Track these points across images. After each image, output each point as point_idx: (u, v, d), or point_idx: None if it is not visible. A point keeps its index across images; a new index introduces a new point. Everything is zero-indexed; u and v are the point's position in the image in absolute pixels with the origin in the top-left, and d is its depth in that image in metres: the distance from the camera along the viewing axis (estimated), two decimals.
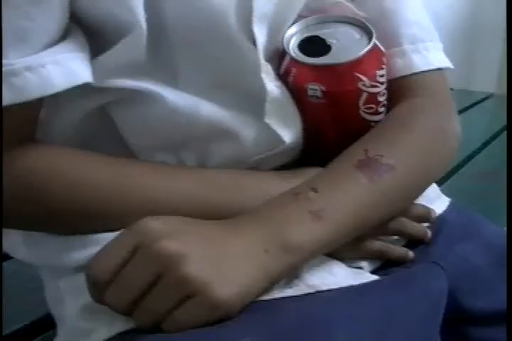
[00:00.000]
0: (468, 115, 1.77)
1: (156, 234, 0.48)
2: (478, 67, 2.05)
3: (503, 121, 1.78)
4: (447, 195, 0.72)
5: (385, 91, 0.61)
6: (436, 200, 0.68)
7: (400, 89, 0.64)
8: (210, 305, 0.47)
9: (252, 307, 0.49)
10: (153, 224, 0.49)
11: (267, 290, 0.51)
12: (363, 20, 0.60)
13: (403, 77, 0.64)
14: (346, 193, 0.55)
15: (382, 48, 0.61)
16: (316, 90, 0.58)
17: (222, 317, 0.48)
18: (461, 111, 0.65)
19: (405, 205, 0.61)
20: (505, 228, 1.02)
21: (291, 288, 0.53)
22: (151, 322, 0.49)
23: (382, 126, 0.62)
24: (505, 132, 1.70)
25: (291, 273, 0.53)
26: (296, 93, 0.59)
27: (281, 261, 0.51)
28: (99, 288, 0.49)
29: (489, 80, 2.34)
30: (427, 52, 0.65)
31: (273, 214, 0.53)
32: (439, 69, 0.66)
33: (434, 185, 0.69)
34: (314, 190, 0.54)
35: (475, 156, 1.49)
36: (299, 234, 0.51)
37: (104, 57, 0.54)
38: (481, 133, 1.66)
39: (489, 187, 1.40)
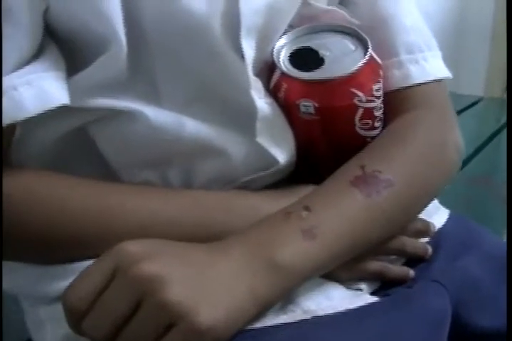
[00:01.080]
0: (459, 120, 1.75)
1: (133, 257, 0.45)
2: (466, 71, 2.04)
3: (494, 126, 1.78)
4: (440, 201, 0.70)
5: (381, 105, 0.59)
6: (435, 213, 0.66)
7: (397, 101, 0.61)
8: (195, 331, 0.43)
9: (244, 335, 0.47)
10: (131, 247, 0.46)
11: (259, 315, 0.48)
12: (358, 30, 0.58)
13: (400, 90, 0.61)
14: (341, 210, 0.53)
15: (378, 60, 0.58)
16: (308, 106, 0.55)
17: None
18: None
19: (406, 223, 0.59)
20: (502, 236, 1.00)
21: (285, 314, 0.50)
22: None
23: (379, 140, 0.59)
24: (497, 137, 1.69)
25: (284, 297, 0.50)
26: (288, 109, 0.57)
27: (273, 284, 0.48)
28: (76, 318, 0.46)
29: (477, 84, 2.34)
30: (425, 63, 0.62)
31: (262, 234, 0.50)
32: (439, 79, 0.63)
33: None
34: (307, 208, 0.52)
35: (468, 162, 1.48)
36: (290, 255, 0.49)
37: (81, 76, 0.51)
38: (473, 138, 1.66)
39: (482, 193, 1.39)
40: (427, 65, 0.62)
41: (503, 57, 2.26)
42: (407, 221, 0.59)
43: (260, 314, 0.48)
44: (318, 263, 0.50)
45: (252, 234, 0.50)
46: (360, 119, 0.57)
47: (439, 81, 0.63)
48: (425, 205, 0.60)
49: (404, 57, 0.61)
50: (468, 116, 1.88)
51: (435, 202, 0.68)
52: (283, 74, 0.56)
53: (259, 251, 0.49)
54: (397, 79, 0.61)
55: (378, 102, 0.58)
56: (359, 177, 0.54)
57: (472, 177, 1.42)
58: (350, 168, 0.56)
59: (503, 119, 1.84)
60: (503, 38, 2.27)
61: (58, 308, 0.51)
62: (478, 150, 1.58)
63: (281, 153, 0.57)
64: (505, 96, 2.34)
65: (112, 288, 0.45)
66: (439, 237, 0.63)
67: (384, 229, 0.55)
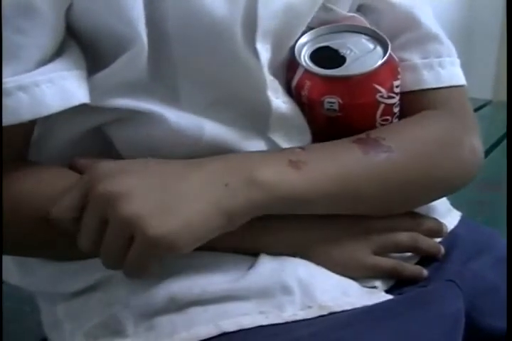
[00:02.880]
0: None
1: (101, 175, 0.48)
2: (474, 74, 2.04)
3: (503, 128, 1.77)
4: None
5: (399, 102, 0.60)
6: (447, 215, 0.66)
7: (412, 102, 0.62)
8: (147, 242, 0.46)
9: (265, 333, 0.48)
10: (104, 165, 0.49)
11: (227, 227, 0.49)
12: (376, 30, 0.59)
13: (414, 92, 0.62)
14: (334, 156, 0.54)
15: (396, 58, 0.59)
16: (333, 103, 0.56)
17: (169, 253, 0.47)
18: None
19: (402, 198, 0.58)
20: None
21: (303, 310, 0.51)
22: (114, 266, 0.49)
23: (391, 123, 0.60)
24: (506, 140, 1.68)
25: (253, 212, 0.50)
26: (311, 106, 0.57)
27: (242, 196, 0.49)
28: (65, 226, 0.49)
29: (485, 87, 2.33)
30: (441, 69, 0.62)
31: (249, 156, 0.53)
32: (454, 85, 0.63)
33: (444, 200, 0.67)
34: (302, 148, 0.54)
35: None
36: (269, 173, 0.50)
37: (102, 75, 0.52)
38: (482, 142, 1.63)
39: (491, 197, 1.38)
40: (443, 71, 0.62)
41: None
42: (401, 196, 0.58)
43: (228, 226, 0.49)
44: (295, 191, 0.51)
45: (238, 155, 0.53)
46: (381, 115, 0.58)
47: (456, 87, 0.63)
48: (430, 191, 0.60)
49: (418, 61, 0.62)
50: (477, 120, 1.87)
51: (447, 204, 0.68)
52: (306, 71, 0.56)
53: (238, 167, 0.51)
54: (410, 82, 0.61)
55: (397, 99, 0.59)
56: (361, 139, 0.55)
57: (481, 180, 1.41)
58: (357, 135, 0.57)
59: None
60: None
61: (76, 304, 0.54)
62: (486, 154, 1.57)
63: None
64: None
65: (87, 207, 0.48)
66: (451, 239, 0.63)
67: (375, 189, 0.55)
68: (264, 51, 0.54)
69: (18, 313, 0.75)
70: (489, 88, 2.39)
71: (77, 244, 0.49)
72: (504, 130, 1.73)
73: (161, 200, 0.47)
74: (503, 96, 2.34)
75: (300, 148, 0.54)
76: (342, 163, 0.54)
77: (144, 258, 0.47)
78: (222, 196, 0.49)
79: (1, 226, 0.51)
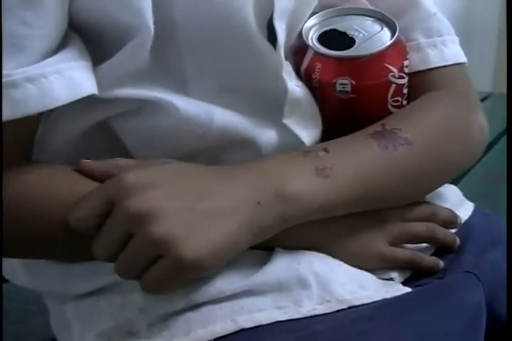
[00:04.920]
0: None
1: (127, 191, 0.46)
2: (474, 66, 2.03)
3: (505, 121, 1.76)
4: None
5: (408, 83, 0.59)
6: (460, 206, 0.65)
7: (418, 83, 0.61)
8: (177, 265, 0.45)
9: (284, 328, 0.47)
10: (129, 178, 0.47)
11: (255, 243, 0.49)
12: (382, 12, 0.58)
13: (420, 72, 0.61)
14: (357, 157, 0.54)
15: (403, 39, 0.59)
16: (345, 85, 0.55)
17: (195, 276, 0.47)
18: None
19: (418, 188, 0.58)
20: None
21: (321, 304, 0.50)
22: (129, 278, 0.48)
23: (403, 109, 0.60)
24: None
25: (283, 226, 0.50)
26: (323, 89, 0.57)
27: (273, 211, 0.49)
28: (84, 233, 0.48)
29: (486, 79, 2.33)
30: (444, 47, 0.62)
31: (275, 165, 0.52)
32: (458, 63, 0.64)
33: (457, 190, 0.67)
34: (325, 149, 0.53)
35: (481, 158, 1.47)
36: (298, 185, 0.50)
37: (108, 66, 0.50)
38: None
39: (495, 189, 1.37)
40: (446, 49, 0.63)
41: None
42: (420, 186, 0.58)
43: (257, 240, 0.49)
44: (322, 200, 0.51)
45: (264, 164, 0.52)
46: (392, 96, 0.58)
47: (459, 65, 0.64)
48: (442, 177, 0.60)
49: (422, 40, 0.62)
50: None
51: (460, 195, 0.68)
52: (317, 54, 0.56)
53: (267, 180, 0.50)
54: (416, 62, 0.61)
55: (406, 79, 0.59)
56: (378, 131, 0.55)
57: (485, 173, 1.41)
58: (373, 126, 0.56)
59: None
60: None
61: (86, 306, 0.53)
62: (489, 146, 1.57)
63: (308, 135, 0.57)
64: None
65: (109, 219, 0.46)
66: (466, 230, 0.62)
67: (395, 184, 0.55)
68: (281, 31, 0.53)
69: (26, 313, 0.74)
70: (490, 80, 2.39)
71: (93, 250, 0.48)
72: (505, 123, 1.73)
73: (192, 221, 0.46)
74: (504, 88, 2.33)
75: (323, 149, 0.53)
76: (364, 164, 0.54)
77: (169, 278, 0.47)
78: (254, 215, 0.48)
79: (1, 226, 0.49)
